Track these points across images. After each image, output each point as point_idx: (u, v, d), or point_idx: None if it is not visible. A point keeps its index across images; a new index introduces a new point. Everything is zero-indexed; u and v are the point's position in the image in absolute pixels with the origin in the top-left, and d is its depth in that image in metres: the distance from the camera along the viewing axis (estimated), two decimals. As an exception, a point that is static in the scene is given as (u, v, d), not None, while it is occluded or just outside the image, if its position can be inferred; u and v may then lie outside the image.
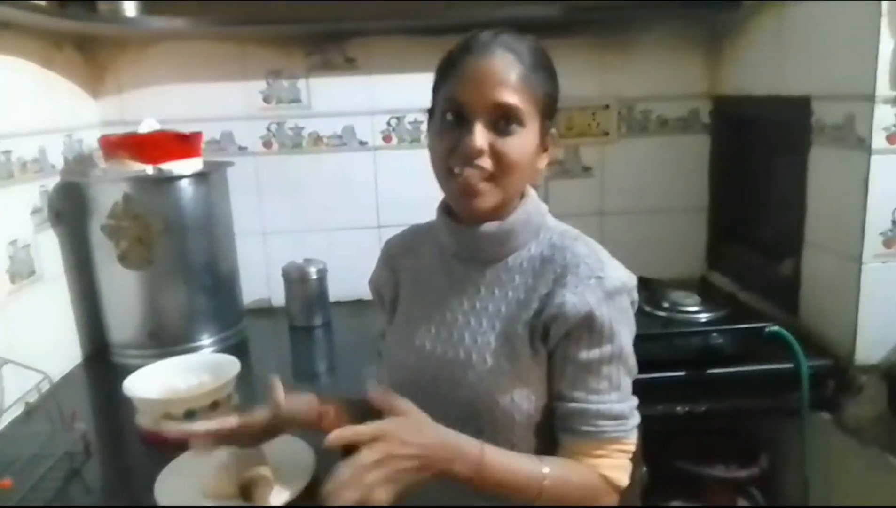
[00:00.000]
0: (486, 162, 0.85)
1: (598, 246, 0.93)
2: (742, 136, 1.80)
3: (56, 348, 1.51)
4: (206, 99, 1.79)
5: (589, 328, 0.85)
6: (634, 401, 0.91)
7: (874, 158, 1.27)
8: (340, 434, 0.77)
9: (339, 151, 1.85)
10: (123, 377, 1.23)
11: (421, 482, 0.78)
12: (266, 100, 1.82)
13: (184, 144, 1.55)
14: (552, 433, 0.90)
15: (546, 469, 0.83)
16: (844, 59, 1.34)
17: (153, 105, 1.75)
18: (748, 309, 1.62)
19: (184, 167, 1.53)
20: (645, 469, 1.45)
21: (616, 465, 0.88)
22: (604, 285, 0.86)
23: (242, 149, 1.83)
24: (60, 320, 1.55)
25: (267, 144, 1.84)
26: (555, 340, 0.87)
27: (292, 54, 1.80)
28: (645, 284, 1.72)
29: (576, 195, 1.92)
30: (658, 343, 1.42)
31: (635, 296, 0.92)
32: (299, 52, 1.80)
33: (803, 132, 1.46)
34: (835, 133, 1.37)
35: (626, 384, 0.90)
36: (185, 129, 1.60)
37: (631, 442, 0.90)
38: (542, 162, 0.93)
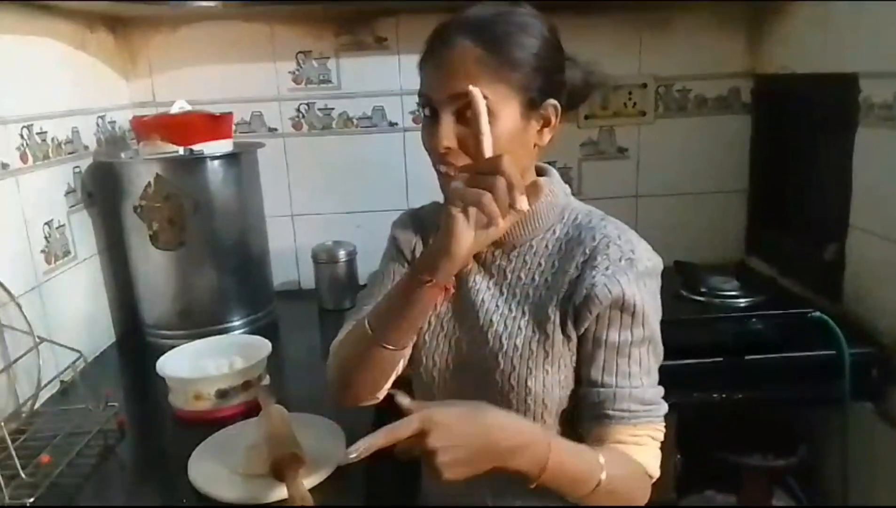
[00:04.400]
0: (456, 158, 0.82)
1: (626, 227, 0.89)
2: (784, 116, 1.74)
3: (90, 327, 1.53)
4: (236, 80, 1.79)
5: (621, 310, 0.84)
6: (661, 390, 0.88)
7: (925, 138, 1.23)
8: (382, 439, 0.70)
9: (369, 133, 1.84)
10: (156, 357, 1.25)
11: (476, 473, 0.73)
12: (296, 80, 1.81)
13: (214, 125, 1.55)
14: (577, 421, 0.88)
15: (602, 459, 0.79)
16: (894, 34, 1.29)
17: (184, 86, 1.76)
18: (789, 294, 1.58)
19: (214, 148, 1.53)
20: (679, 456, 1.44)
21: (651, 454, 0.85)
22: (635, 266, 0.84)
23: (272, 130, 1.83)
24: (94, 299, 1.57)
25: (297, 126, 1.83)
26: (586, 323, 0.85)
27: (322, 34, 1.78)
28: (682, 268, 1.70)
29: (611, 177, 1.89)
30: (696, 329, 1.39)
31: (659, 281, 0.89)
32: (329, 31, 1.78)
33: (850, 111, 1.41)
34: (883, 112, 1.32)
35: (655, 369, 0.88)
36: (216, 110, 1.60)
37: (661, 430, 0.87)
38: (543, 138, 0.87)
